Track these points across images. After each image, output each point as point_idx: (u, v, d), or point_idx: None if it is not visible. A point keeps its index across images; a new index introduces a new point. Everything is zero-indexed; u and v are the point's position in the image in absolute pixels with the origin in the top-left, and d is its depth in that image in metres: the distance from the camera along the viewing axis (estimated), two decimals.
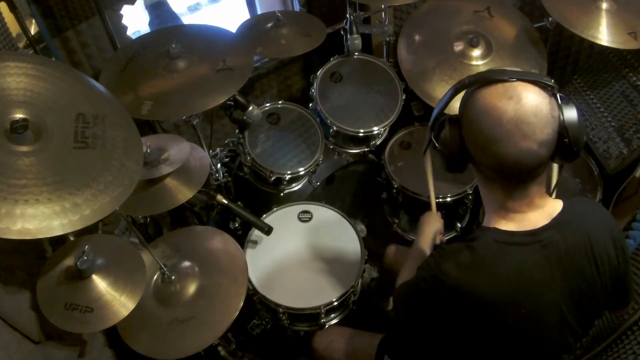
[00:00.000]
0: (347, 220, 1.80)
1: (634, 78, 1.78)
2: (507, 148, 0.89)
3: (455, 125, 0.98)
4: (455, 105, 1.01)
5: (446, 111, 1.03)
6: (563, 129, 0.89)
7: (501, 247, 0.94)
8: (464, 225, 2.05)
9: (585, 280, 0.96)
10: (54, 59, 1.68)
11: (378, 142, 2.02)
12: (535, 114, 0.87)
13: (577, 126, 0.89)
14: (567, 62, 2.16)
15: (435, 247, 1.47)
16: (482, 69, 1.81)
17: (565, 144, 0.90)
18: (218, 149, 2.02)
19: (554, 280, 0.94)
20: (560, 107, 0.90)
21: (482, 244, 0.95)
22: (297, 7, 2.36)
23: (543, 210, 0.97)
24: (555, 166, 1.10)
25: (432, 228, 1.47)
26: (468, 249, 0.95)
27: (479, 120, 0.91)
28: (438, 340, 1.06)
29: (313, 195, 1.94)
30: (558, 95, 0.91)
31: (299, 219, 1.81)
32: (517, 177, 0.95)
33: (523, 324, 0.94)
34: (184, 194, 1.46)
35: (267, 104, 1.94)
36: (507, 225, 0.97)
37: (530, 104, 0.87)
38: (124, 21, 1.85)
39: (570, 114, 0.90)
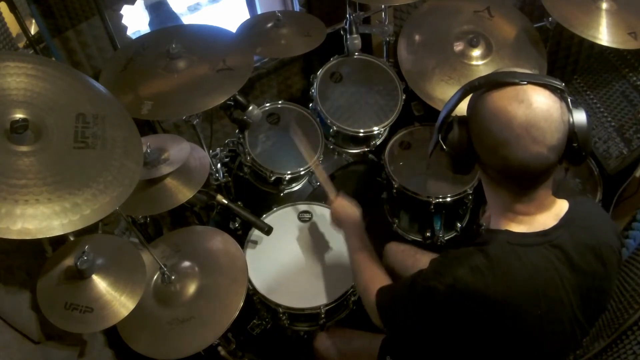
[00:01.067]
0: None
1: (634, 78, 1.78)
2: (516, 152, 0.88)
3: (463, 127, 0.97)
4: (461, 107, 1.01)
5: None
6: (572, 133, 0.89)
7: (515, 249, 0.93)
8: (464, 225, 2.05)
9: (593, 278, 0.96)
10: (54, 59, 1.68)
11: (378, 142, 2.02)
12: (545, 118, 0.87)
13: (586, 130, 0.90)
14: (567, 62, 2.16)
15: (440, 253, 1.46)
16: (482, 69, 1.81)
17: (574, 149, 0.90)
18: (218, 149, 2.02)
19: (565, 278, 0.94)
20: (570, 111, 0.90)
21: (495, 247, 0.94)
22: (297, 7, 2.36)
23: (550, 211, 0.98)
24: None
25: (356, 214, 1.44)
26: (481, 253, 0.93)
27: (488, 123, 0.91)
28: (442, 346, 1.05)
29: (313, 195, 1.94)
30: (568, 99, 0.91)
31: (299, 219, 1.81)
32: (524, 181, 0.94)
33: (539, 324, 0.94)
34: (184, 194, 1.46)
35: (267, 104, 1.94)
36: (518, 227, 0.96)
37: (541, 108, 0.87)
38: (124, 21, 1.85)
39: (580, 117, 0.90)
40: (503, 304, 0.91)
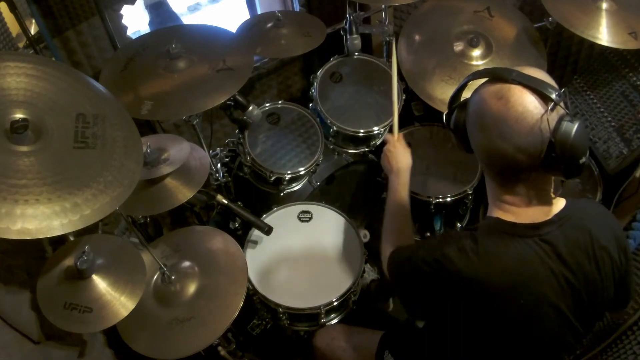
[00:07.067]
0: (347, 220, 1.80)
1: (634, 78, 1.78)
2: (486, 142, 0.95)
3: (463, 110, 1.04)
4: None
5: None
6: (553, 143, 0.88)
7: (502, 236, 0.96)
8: (464, 225, 2.05)
9: (586, 279, 0.96)
10: (54, 59, 1.68)
11: (378, 142, 2.02)
12: (517, 119, 0.89)
13: (569, 144, 0.87)
14: (567, 62, 2.16)
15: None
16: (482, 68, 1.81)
17: (554, 158, 0.89)
18: (218, 149, 2.02)
19: (553, 275, 0.94)
20: (559, 122, 0.88)
21: (484, 232, 0.98)
22: (297, 7, 2.36)
23: (542, 208, 0.98)
24: None
25: (406, 166, 1.45)
26: (471, 237, 0.97)
27: (472, 109, 0.98)
28: (438, 325, 1.08)
29: (313, 195, 1.94)
30: (561, 109, 0.89)
31: (299, 219, 1.81)
32: (499, 172, 0.99)
33: (521, 315, 0.95)
34: (184, 194, 1.46)
35: (267, 104, 1.94)
36: (507, 216, 0.99)
37: (516, 109, 0.89)
38: (124, 21, 1.85)
39: (566, 131, 0.87)
40: (484, 287, 0.94)
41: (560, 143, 0.88)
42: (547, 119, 0.88)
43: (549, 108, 0.88)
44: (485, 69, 0.99)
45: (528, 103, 0.89)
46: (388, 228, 1.36)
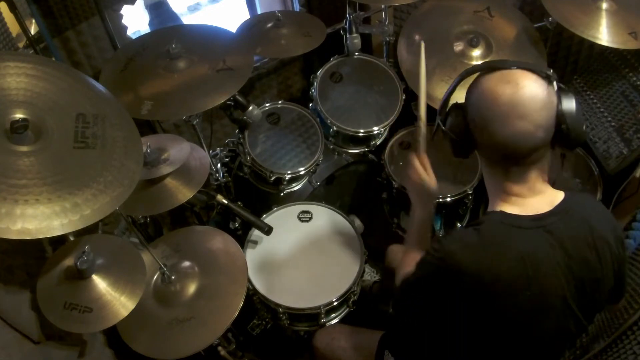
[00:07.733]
0: (347, 220, 1.80)
1: (634, 78, 1.78)
2: (503, 128, 0.94)
3: (460, 111, 1.04)
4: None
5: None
6: (561, 115, 0.94)
7: (507, 229, 0.96)
8: (464, 225, 2.05)
9: (588, 269, 0.97)
10: (54, 59, 1.68)
11: (378, 142, 2.02)
12: (531, 97, 0.93)
13: (574, 114, 0.95)
14: (567, 62, 2.16)
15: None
16: None
17: (563, 131, 0.95)
18: (218, 149, 2.02)
19: (558, 266, 0.95)
20: (559, 96, 0.95)
21: (488, 226, 0.98)
22: (297, 7, 2.36)
23: (544, 197, 1.00)
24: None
25: (435, 198, 1.41)
26: (475, 231, 0.98)
27: (478, 102, 0.98)
28: (439, 326, 1.07)
29: (313, 195, 1.94)
30: (556, 84, 0.96)
31: (299, 219, 1.81)
32: (515, 159, 0.99)
33: (527, 308, 0.95)
34: (184, 194, 1.46)
35: (267, 104, 1.94)
36: (512, 208, 0.99)
37: (527, 88, 0.93)
38: (124, 21, 1.85)
39: (568, 102, 0.95)
40: (491, 280, 0.93)
41: (567, 113, 0.94)
42: (555, 93, 0.95)
43: (551, 81, 0.95)
44: (478, 65, 1.02)
45: (533, 81, 0.94)
46: (412, 241, 1.29)
